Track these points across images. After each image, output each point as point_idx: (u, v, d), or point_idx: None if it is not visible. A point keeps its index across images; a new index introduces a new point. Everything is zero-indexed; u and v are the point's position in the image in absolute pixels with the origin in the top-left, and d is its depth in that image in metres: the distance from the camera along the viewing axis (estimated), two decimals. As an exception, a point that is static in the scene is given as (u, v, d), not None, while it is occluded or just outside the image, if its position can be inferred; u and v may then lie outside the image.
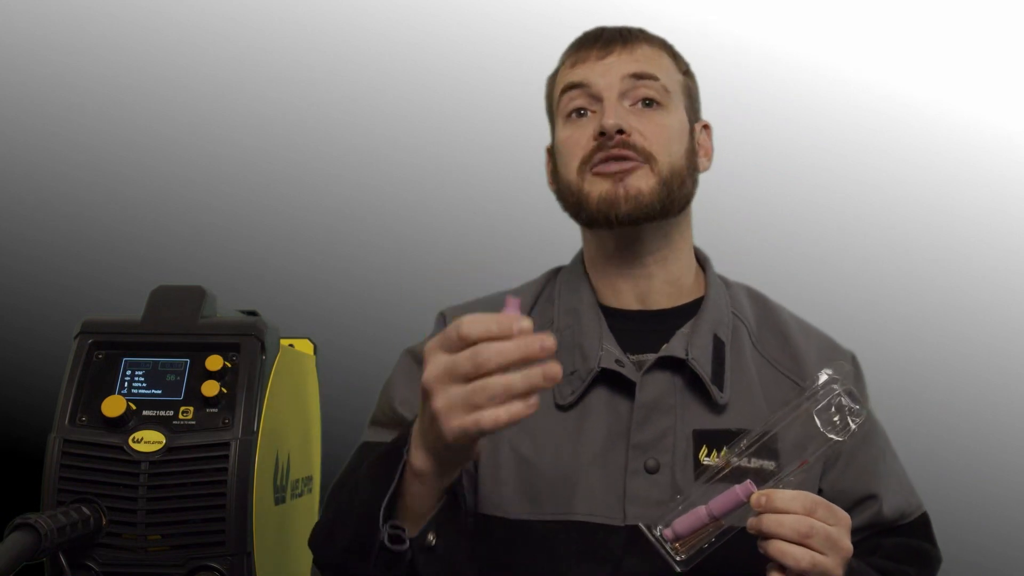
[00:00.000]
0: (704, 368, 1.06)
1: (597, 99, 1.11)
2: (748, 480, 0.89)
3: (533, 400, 0.77)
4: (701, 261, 1.18)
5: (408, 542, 0.87)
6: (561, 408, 1.07)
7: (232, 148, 2.14)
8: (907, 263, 2.07)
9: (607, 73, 1.11)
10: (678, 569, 0.91)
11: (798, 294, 1.35)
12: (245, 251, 2.10)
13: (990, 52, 2.07)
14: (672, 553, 0.91)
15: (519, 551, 1.03)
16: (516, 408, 0.76)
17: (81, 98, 2.13)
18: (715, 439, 1.05)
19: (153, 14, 2.15)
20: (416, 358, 1.14)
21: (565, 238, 1.23)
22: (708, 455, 1.05)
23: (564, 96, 1.13)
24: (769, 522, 0.87)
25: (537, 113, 1.24)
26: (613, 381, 1.07)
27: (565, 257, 1.22)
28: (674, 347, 1.07)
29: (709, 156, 1.19)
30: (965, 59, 2.07)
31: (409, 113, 2.15)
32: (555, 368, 0.76)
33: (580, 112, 1.12)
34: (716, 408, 1.06)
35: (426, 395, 0.79)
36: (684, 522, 0.90)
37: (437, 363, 0.78)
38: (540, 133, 1.23)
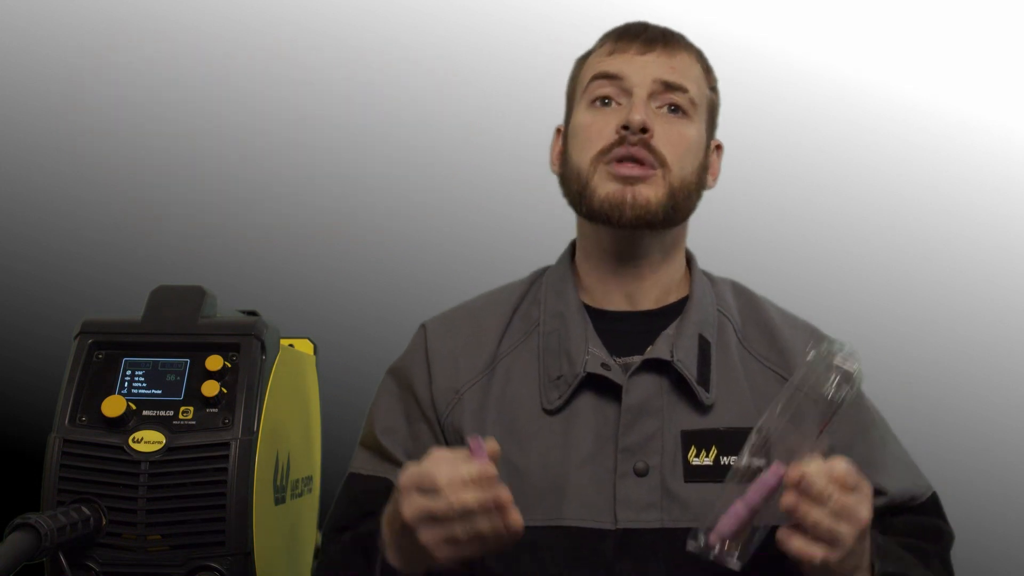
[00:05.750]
0: (689, 369, 1.06)
1: (627, 93, 1.10)
2: (775, 463, 0.90)
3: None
4: (687, 259, 1.18)
5: None
6: (549, 413, 1.07)
7: (232, 148, 2.14)
8: (902, 261, 2.07)
9: (643, 71, 1.10)
10: (737, 568, 0.91)
11: (796, 292, 1.35)
12: (245, 251, 2.10)
13: (990, 52, 2.07)
14: (725, 554, 0.91)
15: (509, 559, 1.02)
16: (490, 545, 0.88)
17: (81, 98, 2.13)
18: (703, 439, 1.05)
19: (153, 14, 2.15)
20: (398, 379, 1.15)
21: (558, 238, 1.22)
22: (697, 455, 1.05)
23: (594, 82, 1.12)
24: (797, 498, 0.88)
25: (534, 115, 1.23)
26: (600, 385, 1.06)
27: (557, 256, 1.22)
28: (659, 349, 1.07)
29: (716, 176, 1.18)
30: (964, 59, 2.07)
31: (407, 114, 2.15)
32: (517, 522, 0.88)
33: (605, 101, 1.11)
34: (703, 408, 1.06)
35: (412, 529, 0.88)
36: (727, 522, 0.91)
37: (413, 504, 0.87)
38: (536, 135, 1.22)
